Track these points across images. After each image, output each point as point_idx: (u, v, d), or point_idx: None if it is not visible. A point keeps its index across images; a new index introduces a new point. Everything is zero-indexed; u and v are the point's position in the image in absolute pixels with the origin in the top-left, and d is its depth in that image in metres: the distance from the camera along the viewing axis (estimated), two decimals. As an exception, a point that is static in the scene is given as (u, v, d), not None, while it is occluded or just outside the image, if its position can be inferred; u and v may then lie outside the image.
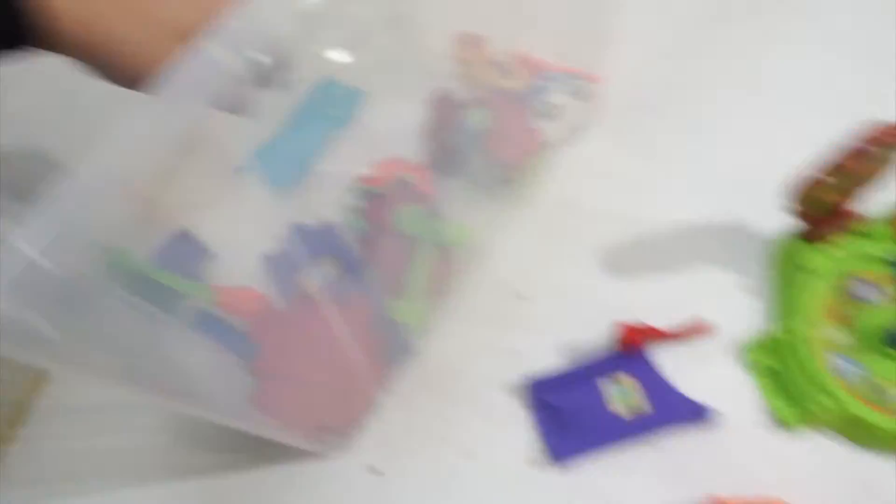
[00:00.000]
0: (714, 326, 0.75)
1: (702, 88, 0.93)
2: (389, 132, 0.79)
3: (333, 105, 0.81)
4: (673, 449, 0.70)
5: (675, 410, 0.69)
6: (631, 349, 0.72)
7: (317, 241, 0.69)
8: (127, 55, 0.38)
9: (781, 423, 0.70)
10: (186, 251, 0.83)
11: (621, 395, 0.71)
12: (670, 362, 0.73)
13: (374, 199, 0.77)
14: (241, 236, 0.72)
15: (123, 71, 0.39)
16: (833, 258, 0.74)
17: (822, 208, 0.69)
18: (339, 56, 0.69)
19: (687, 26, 0.99)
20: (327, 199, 0.78)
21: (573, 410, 0.70)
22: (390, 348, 0.74)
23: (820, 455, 0.68)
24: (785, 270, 0.76)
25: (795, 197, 0.69)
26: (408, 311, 0.73)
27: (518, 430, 0.72)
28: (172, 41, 0.37)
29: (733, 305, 0.76)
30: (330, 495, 0.70)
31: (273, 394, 0.61)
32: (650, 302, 0.76)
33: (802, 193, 0.68)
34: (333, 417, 0.71)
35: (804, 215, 0.70)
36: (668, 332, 0.73)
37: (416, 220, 0.75)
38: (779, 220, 0.76)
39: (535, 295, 0.79)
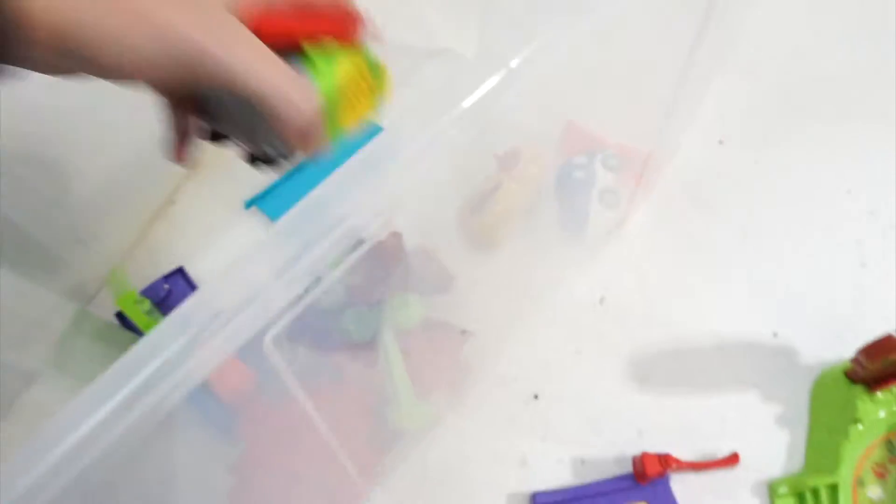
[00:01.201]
0: (742, 459, 0.68)
1: (773, 190, 0.86)
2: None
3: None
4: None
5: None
6: (648, 479, 0.66)
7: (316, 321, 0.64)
8: (113, 56, 0.34)
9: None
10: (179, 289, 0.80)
11: (635, 526, 0.65)
12: (690, 493, 0.67)
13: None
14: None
15: (108, 73, 0.35)
16: (888, 410, 0.67)
17: (892, 366, 0.62)
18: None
19: (768, 116, 0.92)
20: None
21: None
22: (383, 437, 0.69)
23: None
24: (830, 413, 0.69)
25: (867, 354, 0.62)
26: (403, 417, 0.67)
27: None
28: (160, 39, 0.34)
29: (767, 439, 0.70)
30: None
31: (254, 489, 0.57)
32: (676, 423, 0.70)
33: (875, 352, 0.61)
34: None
35: (868, 370, 0.64)
36: (691, 464, 0.67)
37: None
38: (834, 352, 0.69)
39: (552, 398, 0.74)
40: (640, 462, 0.65)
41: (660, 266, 0.80)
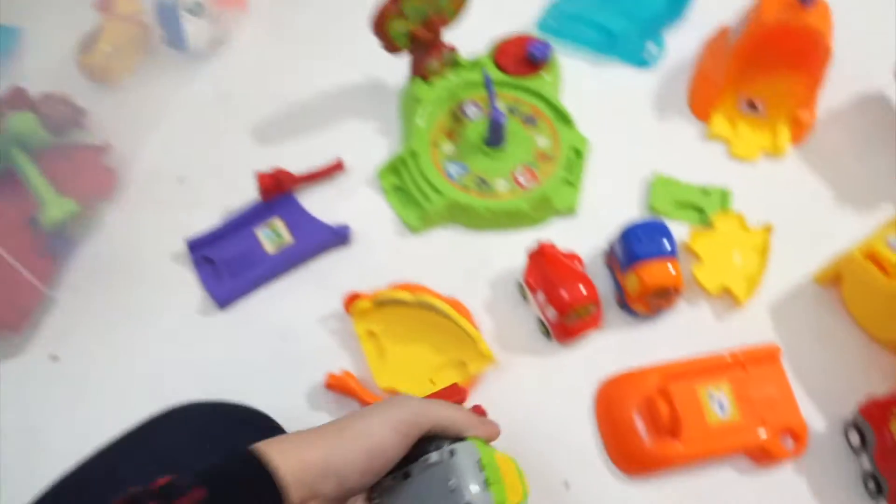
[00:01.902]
0: (351, 164, 0.85)
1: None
2: None
3: None
4: (321, 268, 0.79)
5: (316, 237, 0.78)
6: (272, 195, 0.80)
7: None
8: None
9: (410, 228, 0.80)
10: None
11: (271, 236, 0.79)
12: (319, 201, 0.83)
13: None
14: None
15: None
16: (443, 88, 0.85)
17: (404, 39, 0.80)
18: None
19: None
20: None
21: (228, 259, 0.77)
22: (49, 245, 0.78)
23: (443, 244, 0.80)
24: (407, 106, 0.87)
25: (376, 30, 0.79)
26: (49, 212, 0.77)
27: (188, 290, 0.78)
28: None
29: (371, 146, 0.87)
30: (13, 387, 0.74)
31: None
32: (298, 158, 0.84)
33: (378, 24, 0.78)
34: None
35: (392, 47, 0.81)
36: (304, 175, 0.82)
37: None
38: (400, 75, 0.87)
39: (195, 176, 0.86)
40: (262, 181, 0.79)
41: (268, 56, 0.96)
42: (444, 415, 0.47)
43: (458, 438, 0.47)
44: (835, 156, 0.85)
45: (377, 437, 0.44)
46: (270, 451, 0.42)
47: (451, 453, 0.45)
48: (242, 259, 0.78)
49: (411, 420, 0.45)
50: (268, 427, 0.59)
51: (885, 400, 0.66)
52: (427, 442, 0.46)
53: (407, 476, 0.46)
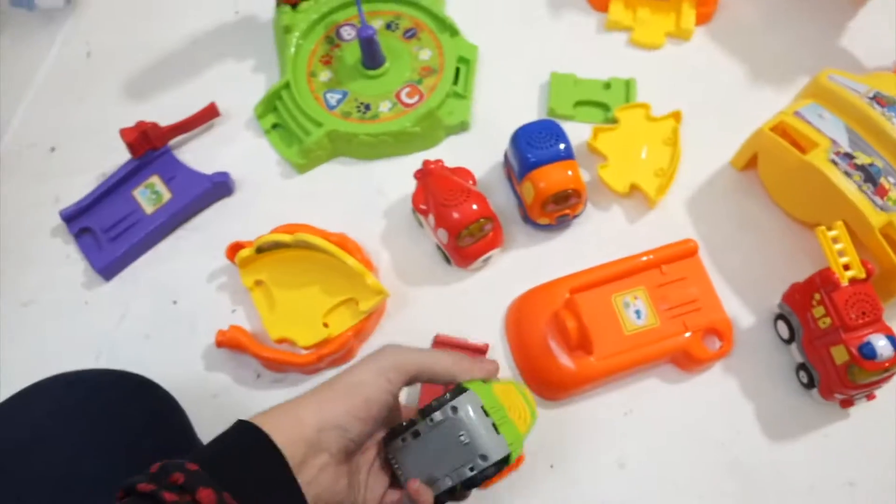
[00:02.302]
0: (229, 108, 0.79)
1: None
2: None
3: None
4: (206, 222, 0.74)
5: (195, 189, 0.72)
6: (142, 151, 0.74)
7: None
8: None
9: (295, 167, 0.74)
10: None
11: (149, 195, 0.73)
12: (198, 152, 0.77)
13: None
14: None
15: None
16: (314, 12, 0.78)
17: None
18: None
19: None
20: None
21: (106, 227, 0.72)
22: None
23: (332, 180, 0.74)
24: (279, 37, 0.80)
25: None
26: None
27: (72, 263, 0.73)
28: None
29: (249, 86, 0.80)
30: None
31: None
32: (175, 110, 0.77)
33: None
34: None
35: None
36: (174, 125, 0.75)
37: None
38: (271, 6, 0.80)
39: (67, 144, 0.80)
40: (124, 139, 0.73)
41: (137, 2, 0.89)
42: (429, 360, 0.48)
43: (459, 388, 0.47)
44: (744, 32, 0.78)
45: (367, 386, 0.45)
46: (263, 418, 0.42)
47: (454, 409, 0.45)
48: (121, 224, 0.72)
49: (395, 366, 0.46)
50: (145, 389, 0.55)
51: (806, 284, 0.61)
52: (435, 400, 0.47)
53: (417, 435, 0.47)
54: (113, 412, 0.51)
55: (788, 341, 0.64)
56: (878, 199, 0.59)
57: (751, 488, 0.60)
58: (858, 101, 0.62)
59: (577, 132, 0.72)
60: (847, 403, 0.62)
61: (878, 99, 0.62)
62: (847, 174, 0.60)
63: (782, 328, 0.64)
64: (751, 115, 0.69)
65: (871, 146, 0.61)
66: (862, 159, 0.61)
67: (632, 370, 0.64)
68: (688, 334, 0.63)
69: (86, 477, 0.47)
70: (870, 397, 0.61)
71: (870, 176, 0.60)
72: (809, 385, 0.62)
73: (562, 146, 0.65)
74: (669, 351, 0.63)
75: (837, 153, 0.61)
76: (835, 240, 0.58)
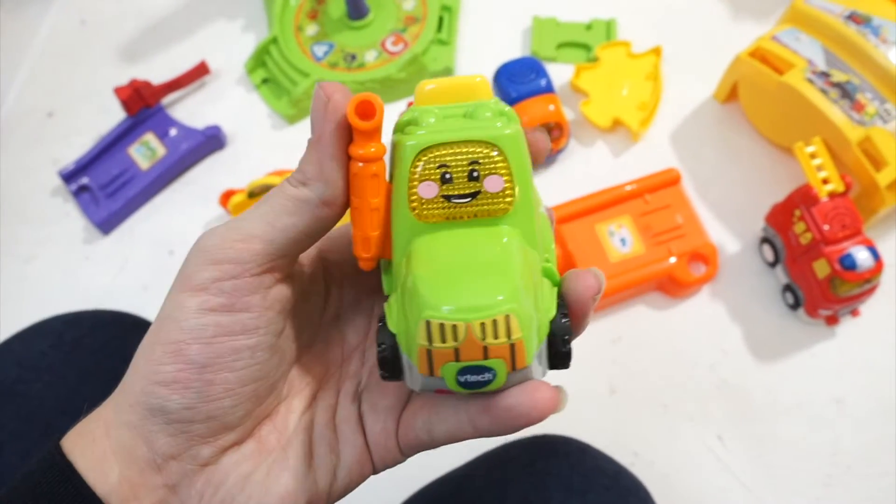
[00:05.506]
0: (220, 66, 0.80)
1: None
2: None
3: None
4: (200, 175, 0.75)
5: (188, 143, 0.74)
6: (136, 109, 0.75)
7: None
8: None
9: (284, 118, 0.76)
10: None
11: (144, 152, 0.75)
12: (191, 109, 0.79)
13: None
14: None
15: None
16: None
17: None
18: None
19: None
20: None
21: (103, 183, 0.74)
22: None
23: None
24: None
25: None
26: None
27: (71, 220, 0.75)
28: None
29: (239, 43, 0.82)
30: None
31: None
32: (168, 71, 0.79)
33: None
34: None
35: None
36: (166, 83, 0.77)
37: None
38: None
39: (64, 108, 0.82)
40: (118, 97, 0.74)
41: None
42: None
43: None
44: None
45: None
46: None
47: None
48: (118, 180, 0.74)
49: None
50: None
51: (786, 201, 0.61)
52: None
53: None
54: (113, 346, 0.52)
55: (773, 264, 0.64)
56: (855, 114, 0.60)
57: (740, 408, 0.61)
58: (834, 20, 0.63)
59: (561, 73, 0.73)
60: (832, 321, 0.62)
61: (853, 17, 0.63)
62: (823, 91, 0.61)
63: (767, 252, 0.65)
64: (733, 49, 0.70)
65: (847, 64, 0.62)
66: (838, 77, 0.61)
67: (619, 296, 0.65)
68: (673, 259, 0.64)
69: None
70: (854, 313, 0.62)
71: (846, 92, 0.61)
72: (795, 306, 0.63)
73: (542, 81, 0.67)
74: (655, 276, 0.64)
75: (814, 72, 0.62)
76: (813, 155, 0.59)
